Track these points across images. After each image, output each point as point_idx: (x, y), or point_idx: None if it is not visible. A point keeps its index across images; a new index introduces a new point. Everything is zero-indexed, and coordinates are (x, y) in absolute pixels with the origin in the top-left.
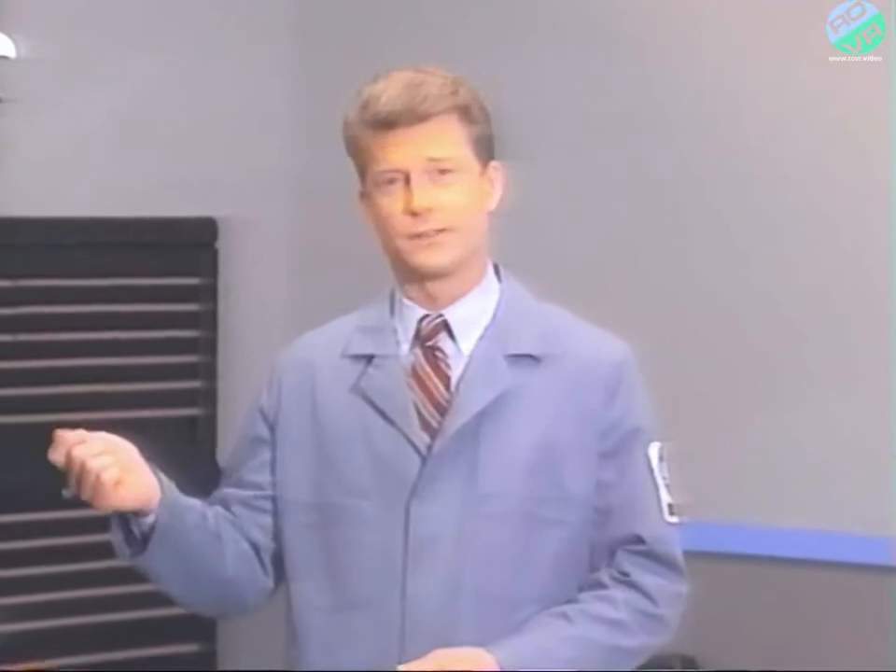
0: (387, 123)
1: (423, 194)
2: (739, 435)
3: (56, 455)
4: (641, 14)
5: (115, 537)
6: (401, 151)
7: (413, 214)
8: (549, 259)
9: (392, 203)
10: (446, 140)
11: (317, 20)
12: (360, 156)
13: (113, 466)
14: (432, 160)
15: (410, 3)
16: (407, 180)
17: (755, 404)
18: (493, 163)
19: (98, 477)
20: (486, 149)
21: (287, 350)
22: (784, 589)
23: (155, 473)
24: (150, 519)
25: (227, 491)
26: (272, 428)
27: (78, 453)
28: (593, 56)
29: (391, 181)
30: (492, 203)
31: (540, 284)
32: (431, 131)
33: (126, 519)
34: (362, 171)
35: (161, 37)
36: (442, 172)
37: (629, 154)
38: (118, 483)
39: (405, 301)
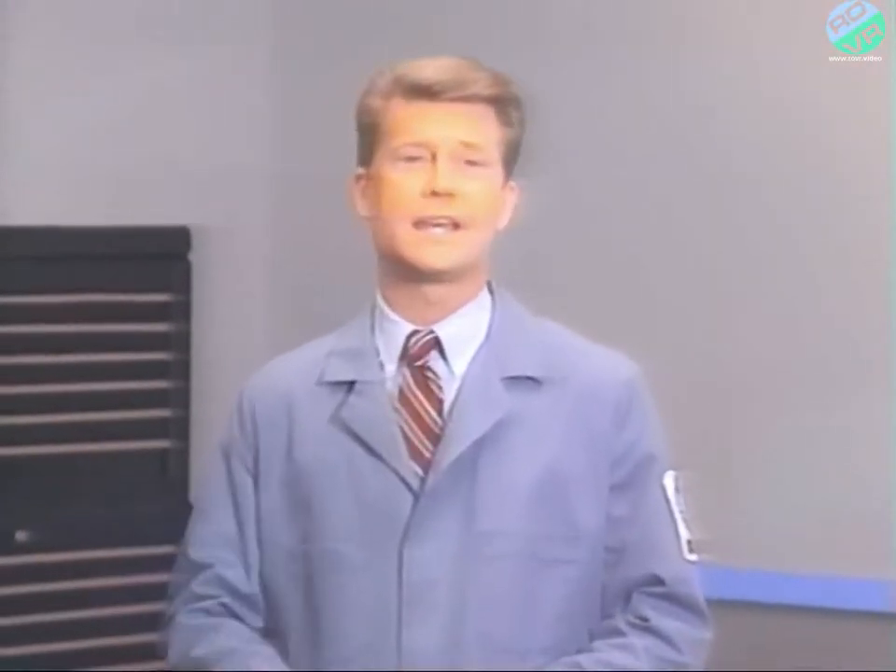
0: (430, 93)
1: (448, 176)
2: (733, 478)
3: None
4: (638, 15)
5: None
6: (437, 126)
7: (435, 194)
8: (555, 271)
9: (409, 180)
10: (482, 129)
11: (295, 21)
12: (379, 127)
13: None
14: (465, 144)
15: (395, 9)
16: (433, 158)
17: (751, 446)
18: (511, 182)
19: None
20: (512, 161)
21: (254, 379)
22: (780, 636)
23: None
24: None
25: (223, 600)
26: (254, 476)
27: None
28: (588, 61)
29: (413, 158)
30: (501, 222)
31: (543, 296)
32: (471, 114)
33: None
34: (373, 145)
35: (130, 39)
36: (470, 163)
37: (630, 156)
38: None
39: (390, 314)
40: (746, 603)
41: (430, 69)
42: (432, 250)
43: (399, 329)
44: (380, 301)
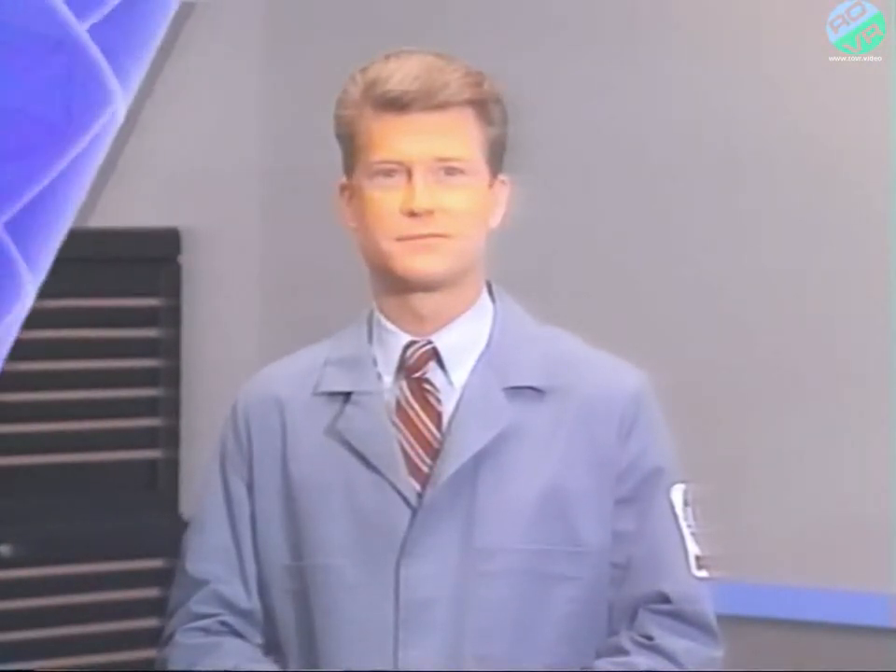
0: (398, 106)
1: (426, 194)
2: (731, 493)
3: None
4: (638, 16)
5: None
6: (408, 142)
7: (412, 214)
8: (557, 276)
9: (387, 198)
10: (460, 137)
11: (287, 24)
12: (354, 139)
13: None
14: (440, 159)
15: (386, 5)
16: (409, 175)
17: (750, 460)
18: (501, 176)
19: None
20: (498, 158)
21: (248, 385)
22: (780, 651)
23: None
24: None
25: (222, 617)
26: (248, 486)
27: None
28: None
29: (389, 173)
30: (494, 220)
31: (545, 300)
32: (446, 123)
33: None
34: (352, 158)
35: None
36: (449, 172)
37: (630, 157)
38: None
39: (387, 324)
40: (745, 617)
41: (397, 77)
42: (419, 258)
43: (395, 339)
44: (376, 310)
